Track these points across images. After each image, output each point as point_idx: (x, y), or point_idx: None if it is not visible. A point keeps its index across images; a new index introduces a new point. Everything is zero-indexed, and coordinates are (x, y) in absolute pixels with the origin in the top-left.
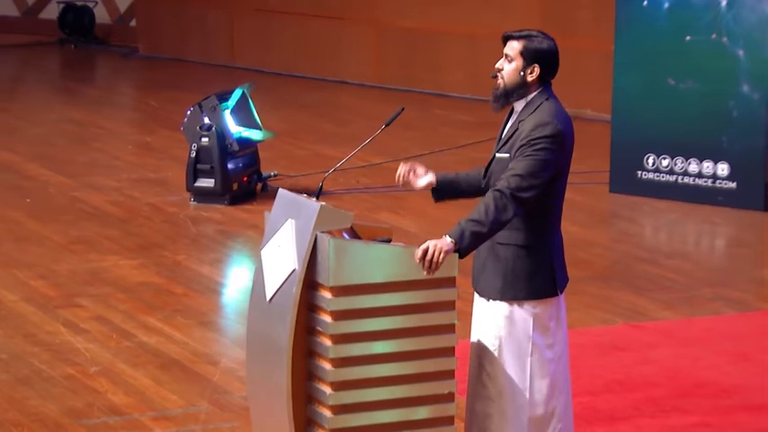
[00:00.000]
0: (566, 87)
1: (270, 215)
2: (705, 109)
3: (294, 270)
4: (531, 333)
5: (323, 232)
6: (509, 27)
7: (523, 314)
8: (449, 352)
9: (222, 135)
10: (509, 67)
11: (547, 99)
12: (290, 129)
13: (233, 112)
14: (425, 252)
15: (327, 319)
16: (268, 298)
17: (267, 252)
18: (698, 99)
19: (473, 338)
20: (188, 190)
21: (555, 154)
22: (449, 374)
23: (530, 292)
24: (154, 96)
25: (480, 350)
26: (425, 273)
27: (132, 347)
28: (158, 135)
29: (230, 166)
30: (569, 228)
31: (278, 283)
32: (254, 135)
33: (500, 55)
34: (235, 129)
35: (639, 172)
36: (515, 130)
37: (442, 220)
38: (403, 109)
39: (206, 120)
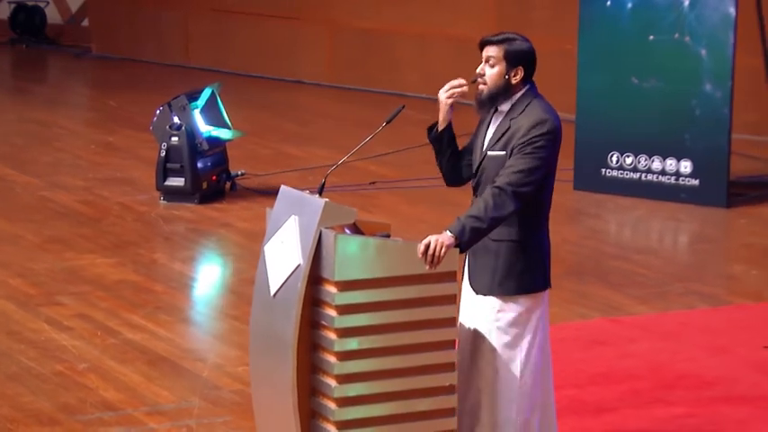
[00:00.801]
0: None
1: (272, 212)
2: (668, 107)
3: (299, 265)
4: (521, 326)
5: (327, 228)
6: (464, 27)
7: (515, 308)
8: (449, 345)
9: (192, 134)
10: (492, 72)
11: (534, 97)
12: (253, 128)
13: (202, 111)
14: (427, 247)
15: (333, 313)
16: (272, 293)
17: (270, 248)
18: (661, 98)
19: (462, 331)
20: (158, 189)
21: (551, 150)
22: (450, 367)
23: (522, 286)
24: (111, 96)
25: (470, 342)
26: (427, 267)
27: (118, 344)
28: (120, 135)
29: (199, 165)
30: None
31: (282, 279)
32: (224, 134)
33: (454, 55)
34: (204, 128)
35: (603, 170)
36: (507, 128)
37: (413, 218)
38: (404, 107)
39: (175, 119)
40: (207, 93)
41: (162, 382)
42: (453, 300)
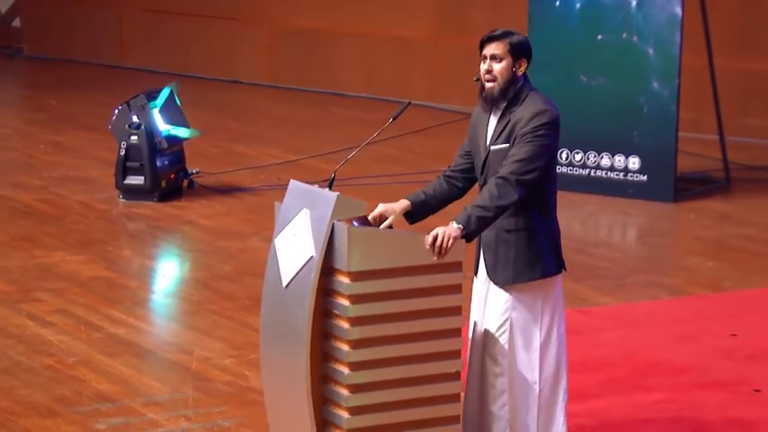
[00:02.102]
0: (461, 85)
1: (281, 206)
2: (617, 105)
3: (312, 257)
4: (539, 312)
5: (339, 221)
6: (404, 27)
7: (532, 294)
8: (456, 333)
9: (151, 133)
10: (500, 66)
11: (530, 90)
12: (200, 128)
13: (161, 110)
14: (435, 238)
15: (345, 302)
16: (284, 284)
17: (281, 241)
18: (609, 96)
19: (477, 321)
20: (117, 187)
21: (553, 138)
22: (456, 354)
23: (538, 272)
24: (50, 96)
25: (488, 331)
26: (435, 258)
27: (103, 338)
28: (69, 135)
29: (158, 163)
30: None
31: (295, 270)
32: (182, 133)
33: (394, 55)
34: (163, 127)
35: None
36: (507, 122)
37: None
38: (410, 103)
39: (134, 118)
40: (166, 92)
41: (152, 374)
42: (459, 289)
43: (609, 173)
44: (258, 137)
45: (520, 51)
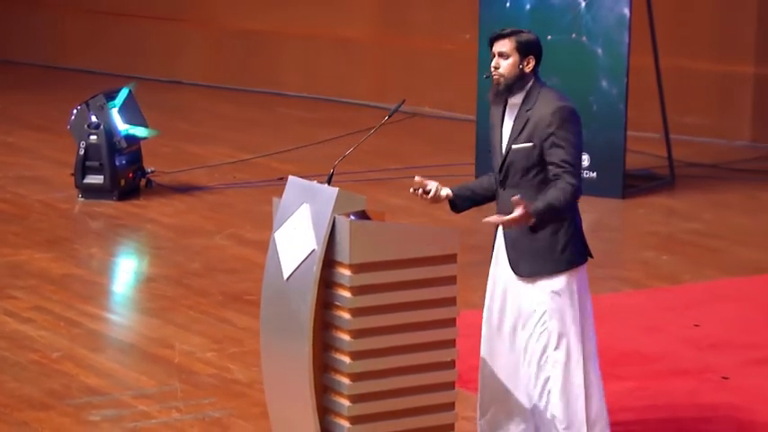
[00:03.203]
0: (404, 85)
1: (281, 201)
2: None
3: (314, 250)
4: (573, 301)
5: (340, 215)
6: (347, 28)
7: (565, 284)
8: (451, 323)
9: (110, 133)
10: (507, 63)
11: (542, 87)
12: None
13: (120, 110)
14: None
15: (346, 294)
16: (285, 277)
17: (281, 235)
18: None
19: (500, 310)
20: (77, 186)
21: (581, 132)
22: (451, 343)
23: (568, 262)
24: None
25: (523, 326)
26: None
27: (84, 334)
28: (19, 135)
29: (117, 162)
30: (447, 217)
31: (296, 263)
32: (140, 132)
33: (336, 55)
34: (122, 126)
35: None
36: (527, 120)
37: None
38: (404, 101)
39: (93, 118)
40: (124, 92)
41: (138, 368)
42: (454, 280)
43: None
44: (207, 136)
45: (527, 49)
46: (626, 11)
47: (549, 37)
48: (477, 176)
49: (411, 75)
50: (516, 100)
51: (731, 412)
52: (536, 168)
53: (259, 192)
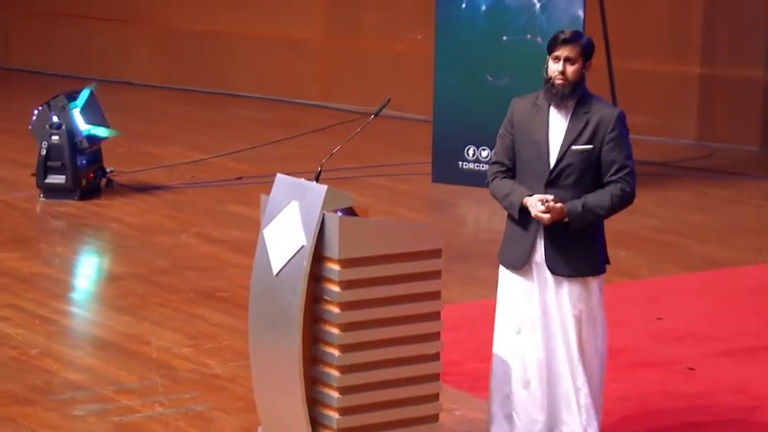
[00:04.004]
0: (353, 85)
1: (269, 198)
2: None
3: (303, 246)
4: (601, 303)
5: (329, 211)
6: (295, 29)
7: (595, 286)
8: (436, 316)
9: (72, 133)
10: (573, 68)
11: (587, 91)
12: None
13: (82, 110)
14: (548, 209)
15: (336, 288)
16: (275, 272)
17: (270, 231)
18: (514, 94)
19: (532, 317)
20: (38, 186)
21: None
22: (436, 336)
23: (598, 265)
24: None
25: (555, 326)
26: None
27: (60, 331)
28: None
29: (78, 162)
30: (410, 215)
31: (285, 259)
32: (101, 132)
33: (286, 56)
34: (83, 126)
35: (461, 162)
36: (586, 123)
37: None
38: (389, 99)
39: (54, 118)
40: (86, 93)
41: (117, 363)
42: (439, 275)
43: None
44: (162, 137)
45: (587, 54)
46: (580, 12)
47: (505, 38)
48: (434, 176)
49: (362, 75)
50: (570, 103)
51: (700, 402)
52: (592, 170)
53: (219, 191)
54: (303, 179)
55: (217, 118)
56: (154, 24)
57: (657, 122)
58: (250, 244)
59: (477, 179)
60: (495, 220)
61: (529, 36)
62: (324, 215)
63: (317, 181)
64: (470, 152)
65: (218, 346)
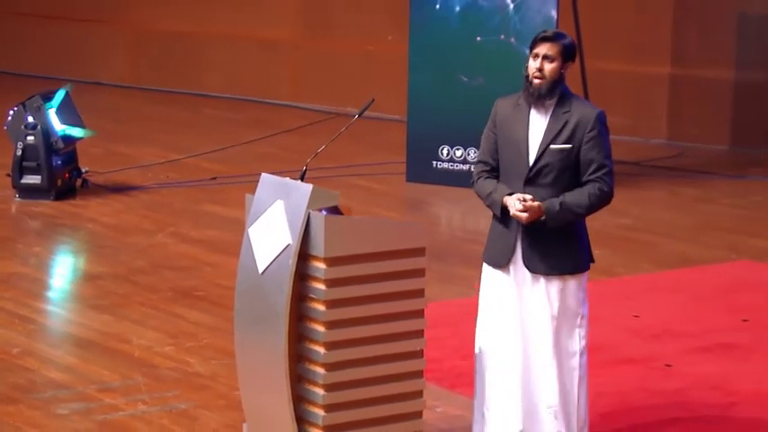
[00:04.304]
0: (325, 86)
1: (253, 198)
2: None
3: (289, 244)
4: (580, 303)
5: (314, 210)
6: (269, 29)
7: (574, 286)
8: (420, 314)
9: (47, 133)
10: (551, 67)
11: (568, 91)
12: None
13: (57, 110)
14: (526, 208)
15: (321, 286)
16: (261, 271)
17: (255, 230)
18: (488, 94)
19: (504, 312)
20: (14, 186)
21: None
22: (420, 333)
23: (578, 264)
24: None
25: (532, 324)
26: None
27: (40, 330)
28: None
29: (53, 163)
30: (386, 214)
31: (271, 257)
32: (77, 132)
33: (258, 56)
34: (59, 127)
35: (435, 162)
36: (565, 122)
37: None
38: (373, 100)
39: (30, 119)
40: (61, 93)
41: (98, 362)
42: (423, 273)
43: None
44: (135, 137)
45: (568, 54)
46: (553, 13)
47: (479, 38)
48: (408, 175)
49: (333, 76)
50: (549, 102)
51: (679, 398)
52: (570, 170)
53: (194, 191)
54: (288, 178)
55: (189, 118)
56: (126, 25)
57: (628, 122)
58: (226, 243)
59: (451, 178)
60: (470, 220)
61: (502, 36)
62: (309, 214)
63: (301, 180)
64: (444, 152)
65: (198, 344)
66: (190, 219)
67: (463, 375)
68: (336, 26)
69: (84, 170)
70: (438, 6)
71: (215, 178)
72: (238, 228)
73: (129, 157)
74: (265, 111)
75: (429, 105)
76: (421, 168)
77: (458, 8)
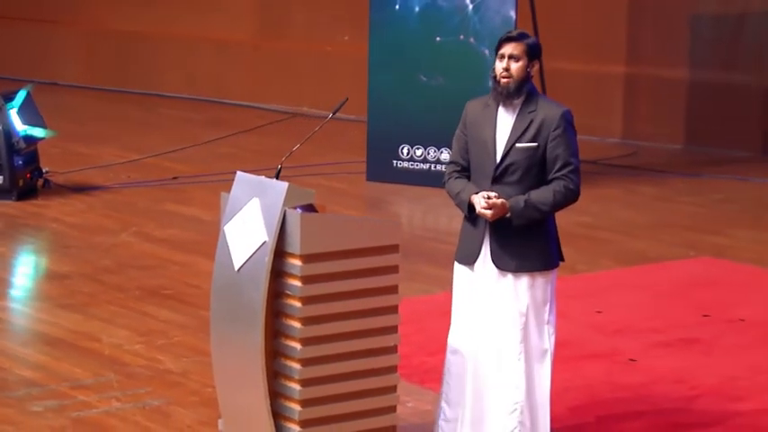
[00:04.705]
0: (280, 86)
1: (229, 196)
2: (454, 103)
3: (265, 242)
4: (548, 300)
5: (290, 208)
6: (225, 30)
7: (542, 283)
8: (394, 309)
9: (9, 133)
10: (517, 66)
11: (535, 91)
12: None
13: (19, 111)
14: (491, 205)
15: (297, 283)
16: (237, 268)
17: (231, 228)
18: (448, 94)
19: (474, 310)
20: None
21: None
22: (394, 329)
23: (546, 261)
24: None
25: (501, 321)
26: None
27: (9, 329)
28: None
29: (15, 163)
30: (346, 212)
31: (247, 254)
32: (38, 133)
33: (215, 56)
34: (20, 127)
35: (395, 161)
36: (530, 121)
37: None
38: (347, 99)
39: None
40: (22, 94)
41: (69, 360)
42: (397, 269)
43: None
44: (94, 137)
45: (534, 54)
46: (512, 13)
47: (438, 38)
48: (368, 175)
49: (290, 76)
50: (516, 101)
51: (643, 391)
52: (536, 168)
53: (155, 191)
54: (264, 177)
55: (146, 118)
56: (82, 26)
57: (584, 121)
58: (190, 242)
59: (411, 177)
60: (430, 218)
61: (462, 37)
62: (285, 211)
63: (276, 178)
64: (404, 151)
65: (168, 342)
66: (153, 218)
67: (431, 371)
68: (294, 27)
69: (45, 170)
70: (398, 7)
71: (176, 178)
72: (201, 227)
73: (88, 157)
74: (223, 111)
75: (389, 105)
76: (381, 167)
77: (417, 9)
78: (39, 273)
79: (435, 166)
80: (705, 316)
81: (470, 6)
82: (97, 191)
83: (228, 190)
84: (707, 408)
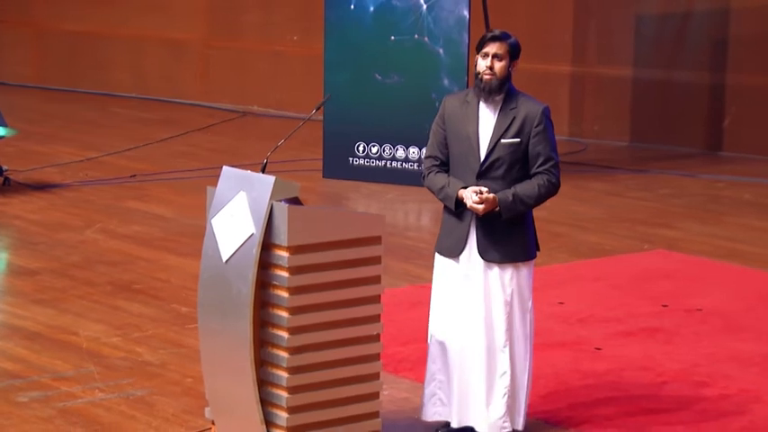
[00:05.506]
0: (231, 85)
1: (215, 190)
2: (410, 101)
3: (252, 234)
4: (530, 288)
5: (277, 201)
6: (175, 29)
7: (525, 273)
8: (377, 299)
9: None
10: (501, 64)
11: (515, 88)
12: None
13: None
14: (482, 200)
15: (284, 274)
16: (224, 260)
17: (219, 221)
18: (403, 92)
19: (459, 300)
20: None
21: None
22: (377, 318)
23: (528, 250)
24: None
25: (487, 310)
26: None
27: None
28: None
29: None
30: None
31: (235, 247)
32: None
33: (165, 56)
34: None
35: (351, 158)
36: (513, 118)
37: (189, 206)
38: (329, 96)
39: None
40: None
41: (49, 353)
42: (380, 260)
43: (404, 164)
44: (48, 136)
45: (515, 53)
46: (465, 13)
47: (393, 38)
48: (325, 172)
49: (240, 75)
50: (497, 98)
51: (611, 378)
52: (519, 163)
53: (115, 188)
54: (250, 171)
55: (97, 117)
56: (29, 25)
57: None
58: (155, 239)
59: (367, 174)
60: (387, 214)
61: (416, 36)
62: (272, 204)
63: (263, 172)
64: (360, 148)
65: (144, 335)
66: (115, 215)
67: (404, 361)
68: (245, 27)
69: (4, 168)
70: (353, 6)
71: (134, 176)
72: (163, 224)
73: (44, 155)
74: (173, 110)
75: (345, 103)
76: (337, 165)
77: (372, 8)
78: (7, 270)
79: (391, 163)
80: (664, 306)
81: (424, 6)
82: (57, 188)
83: (187, 187)
84: (674, 393)
